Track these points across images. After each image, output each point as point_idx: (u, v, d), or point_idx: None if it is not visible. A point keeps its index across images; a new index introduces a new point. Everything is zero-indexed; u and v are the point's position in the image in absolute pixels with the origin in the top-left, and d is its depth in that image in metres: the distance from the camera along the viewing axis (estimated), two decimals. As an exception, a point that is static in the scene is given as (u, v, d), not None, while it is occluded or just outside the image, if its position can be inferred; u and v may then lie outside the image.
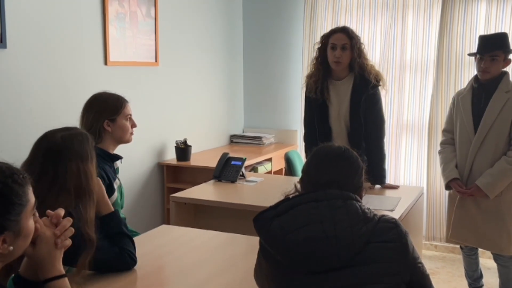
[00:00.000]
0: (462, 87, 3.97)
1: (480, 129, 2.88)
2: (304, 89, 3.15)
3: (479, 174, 2.89)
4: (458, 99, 3.02)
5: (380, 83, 2.98)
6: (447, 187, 3.03)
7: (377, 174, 2.98)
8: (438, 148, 3.21)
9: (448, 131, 3.10)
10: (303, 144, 4.54)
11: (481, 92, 2.92)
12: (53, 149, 1.63)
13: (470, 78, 3.95)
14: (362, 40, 3.03)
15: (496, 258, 3.02)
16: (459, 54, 4.01)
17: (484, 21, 3.94)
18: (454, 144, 3.05)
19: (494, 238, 2.92)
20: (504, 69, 2.93)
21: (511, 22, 3.85)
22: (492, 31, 3.87)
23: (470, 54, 3.06)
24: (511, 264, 2.98)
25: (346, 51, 2.91)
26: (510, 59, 2.91)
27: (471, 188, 2.90)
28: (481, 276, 3.21)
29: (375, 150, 2.99)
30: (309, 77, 3.07)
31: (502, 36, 2.93)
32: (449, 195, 3.13)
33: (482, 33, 3.93)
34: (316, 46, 3.05)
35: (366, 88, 2.93)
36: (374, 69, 3.00)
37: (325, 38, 2.97)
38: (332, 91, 3.00)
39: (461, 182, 2.95)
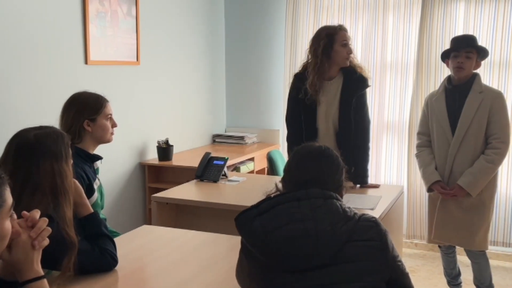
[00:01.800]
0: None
1: (458, 130, 2.91)
2: (290, 88, 3.10)
3: (459, 174, 2.92)
4: (431, 101, 3.05)
5: (369, 82, 3.02)
6: (429, 189, 3.04)
7: (360, 174, 3.00)
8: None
9: (423, 133, 3.12)
10: (285, 143, 4.56)
11: (454, 93, 2.96)
12: (25, 148, 1.61)
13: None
14: None
15: (469, 255, 3.08)
16: (439, 55, 4.03)
17: (462, 22, 4.00)
18: (430, 146, 3.08)
19: (473, 235, 2.96)
20: (475, 71, 2.97)
21: (489, 23, 3.91)
22: (470, 32, 3.93)
23: (442, 56, 3.01)
24: (481, 260, 3.05)
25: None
26: (480, 62, 2.96)
27: (453, 188, 2.93)
28: (459, 274, 3.26)
29: (361, 150, 3.02)
30: (301, 76, 2.98)
31: (474, 37, 3.03)
32: (430, 197, 3.13)
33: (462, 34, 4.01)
34: (321, 43, 2.90)
35: (358, 88, 2.96)
36: (361, 67, 3.03)
37: (332, 36, 2.91)
38: (321, 91, 2.97)
39: (443, 184, 2.97)
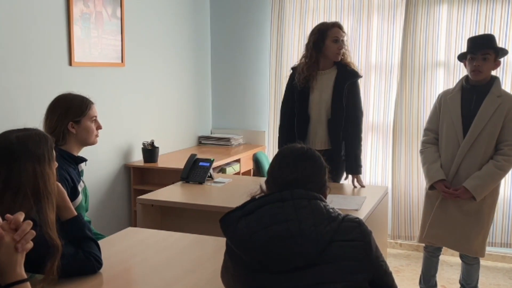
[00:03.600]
0: (426, 90, 4.09)
1: (470, 131, 2.84)
2: (288, 79, 3.31)
3: (465, 177, 2.86)
4: (445, 98, 2.97)
5: (361, 73, 3.24)
6: (431, 187, 2.97)
7: (352, 163, 3.11)
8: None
9: (431, 130, 3.04)
10: (271, 145, 4.61)
11: (472, 93, 2.88)
12: (7, 149, 1.58)
13: (432, 81, 4.10)
14: None
15: (462, 256, 3.06)
16: (422, 57, 4.10)
17: (445, 24, 4.04)
18: (437, 144, 3.00)
19: (470, 241, 2.92)
20: (495, 74, 2.93)
21: (471, 24, 3.96)
22: (453, 34, 3.99)
23: (460, 56, 2.99)
24: (475, 263, 3.04)
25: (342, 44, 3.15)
26: (499, 61, 2.90)
27: (458, 189, 2.87)
28: (435, 285, 3.19)
29: (353, 138, 3.15)
30: (302, 68, 3.17)
31: (491, 37, 2.94)
32: (428, 195, 3.05)
33: (444, 37, 4.05)
34: (312, 37, 3.14)
35: (350, 77, 3.12)
36: (354, 64, 3.24)
37: (324, 31, 3.11)
38: (313, 79, 3.15)
39: (447, 183, 2.91)
